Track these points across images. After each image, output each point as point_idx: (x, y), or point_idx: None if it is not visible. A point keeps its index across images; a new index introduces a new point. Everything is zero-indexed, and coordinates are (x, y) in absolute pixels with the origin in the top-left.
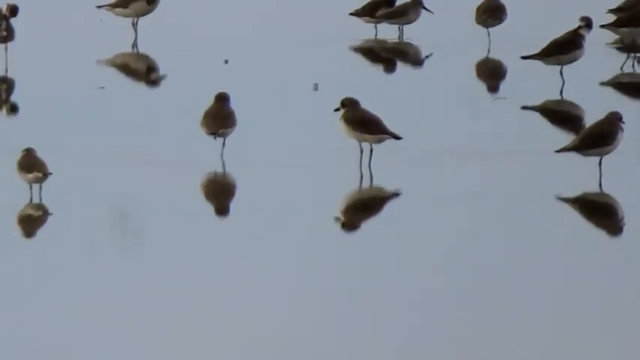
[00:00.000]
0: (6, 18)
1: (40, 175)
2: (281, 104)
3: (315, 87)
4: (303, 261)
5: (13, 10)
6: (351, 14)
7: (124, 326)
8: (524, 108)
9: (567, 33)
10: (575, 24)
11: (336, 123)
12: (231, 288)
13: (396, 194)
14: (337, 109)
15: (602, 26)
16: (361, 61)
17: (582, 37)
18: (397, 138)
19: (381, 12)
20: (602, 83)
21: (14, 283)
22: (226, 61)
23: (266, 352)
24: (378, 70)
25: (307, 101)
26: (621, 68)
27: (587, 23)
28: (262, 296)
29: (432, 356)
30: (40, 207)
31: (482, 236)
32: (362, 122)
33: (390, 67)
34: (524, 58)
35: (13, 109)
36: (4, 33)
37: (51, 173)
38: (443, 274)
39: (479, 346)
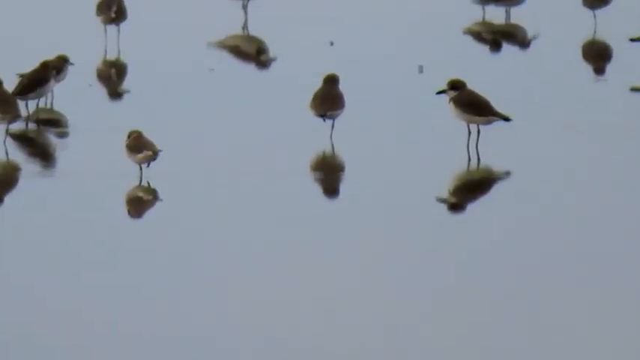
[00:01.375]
0: None
1: (150, 153)
2: (387, 85)
3: (420, 69)
4: (411, 242)
5: None
6: None
7: (250, 310)
8: (633, 89)
9: None
10: None
11: (441, 104)
12: (342, 268)
13: (506, 174)
14: (442, 91)
15: None
16: (468, 42)
17: None
18: (506, 119)
19: None
20: None
21: (122, 267)
22: (332, 43)
23: (380, 330)
24: (484, 51)
25: (413, 82)
26: None
27: None
28: (371, 277)
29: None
30: (150, 191)
31: (596, 221)
32: (471, 104)
33: (496, 48)
34: (632, 40)
35: (123, 90)
36: (113, 15)
37: (161, 150)
38: (554, 259)
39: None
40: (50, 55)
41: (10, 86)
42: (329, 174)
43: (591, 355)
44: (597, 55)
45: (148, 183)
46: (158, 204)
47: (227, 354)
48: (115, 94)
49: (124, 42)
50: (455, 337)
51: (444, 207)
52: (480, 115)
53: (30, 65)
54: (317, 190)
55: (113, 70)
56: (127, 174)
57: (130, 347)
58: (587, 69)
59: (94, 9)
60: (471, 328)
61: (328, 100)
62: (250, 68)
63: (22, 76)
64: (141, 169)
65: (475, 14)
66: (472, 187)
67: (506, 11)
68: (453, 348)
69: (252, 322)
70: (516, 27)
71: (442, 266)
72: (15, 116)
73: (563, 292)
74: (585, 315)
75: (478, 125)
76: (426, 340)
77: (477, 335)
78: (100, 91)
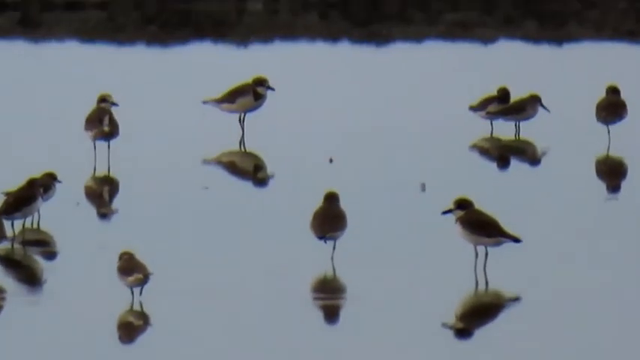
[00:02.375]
0: (109, 112)
1: (140, 276)
2: (390, 204)
3: (423, 187)
4: None
5: (103, 98)
6: (470, 108)
7: None
8: None
9: None
10: None
11: (447, 225)
12: None
13: (515, 299)
14: (448, 211)
15: None
16: (474, 158)
17: None
18: (516, 241)
19: (493, 107)
20: None
21: None
22: (331, 160)
23: None
24: (492, 168)
25: (416, 201)
26: None
27: None
28: None
29: None
30: (140, 314)
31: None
32: (479, 224)
33: (504, 164)
34: None
35: (115, 207)
36: (106, 129)
37: (152, 273)
38: None
39: None
40: (37, 173)
41: None
42: (330, 299)
43: None
44: (611, 172)
45: (141, 306)
46: (150, 330)
47: None
48: (105, 213)
49: (114, 158)
50: None
51: (450, 333)
52: (488, 236)
53: (16, 183)
54: (318, 315)
55: (106, 188)
56: (118, 297)
57: None
58: (601, 186)
59: (82, 124)
60: None
61: (329, 220)
62: (247, 186)
63: (7, 194)
64: (132, 292)
65: (483, 129)
66: (480, 312)
67: (515, 125)
68: None
69: None
70: (526, 142)
71: None
72: (1, 237)
73: None
74: None
75: (486, 247)
76: None
77: None
78: (89, 209)
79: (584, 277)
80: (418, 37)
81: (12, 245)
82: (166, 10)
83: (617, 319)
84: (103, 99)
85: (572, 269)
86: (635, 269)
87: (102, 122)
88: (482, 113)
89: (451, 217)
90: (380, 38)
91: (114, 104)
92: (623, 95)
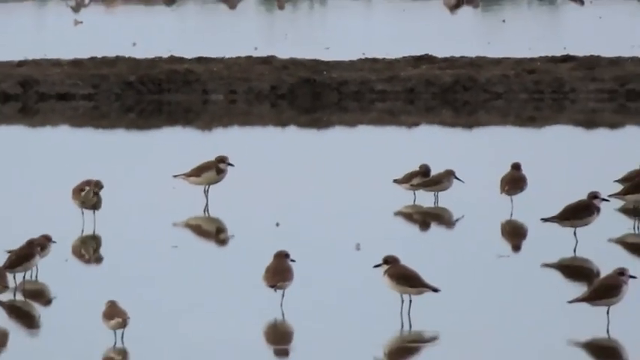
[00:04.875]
0: (95, 185)
1: (120, 320)
2: (329, 261)
3: (358, 247)
4: None
5: (98, 185)
6: (395, 181)
7: None
8: (544, 265)
9: (582, 200)
10: (587, 190)
11: (376, 276)
12: None
13: (434, 338)
14: (378, 265)
15: (610, 195)
16: (400, 223)
17: (595, 205)
18: (435, 290)
19: (416, 180)
20: (611, 240)
21: None
22: (277, 224)
23: None
24: (415, 230)
25: (352, 258)
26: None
27: (596, 195)
28: None
29: None
30: (122, 352)
31: None
32: (404, 277)
33: (425, 228)
34: (543, 220)
35: (100, 262)
36: (90, 194)
37: (129, 317)
38: None
39: None
40: (34, 235)
41: None
42: (280, 340)
43: None
44: (514, 233)
45: (122, 346)
46: None
47: None
48: (93, 263)
49: (100, 224)
50: None
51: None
52: (411, 286)
53: (17, 243)
54: (269, 350)
55: (91, 248)
56: (103, 337)
57: None
58: (506, 246)
59: (70, 195)
60: None
61: (279, 272)
62: (210, 245)
63: (10, 252)
64: (115, 333)
65: (407, 199)
66: (404, 350)
67: (434, 195)
68: None
69: None
70: (443, 209)
71: None
72: (4, 287)
73: None
74: None
75: (410, 295)
76: None
77: None
78: (78, 265)
79: (492, 319)
80: (353, 123)
81: (14, 294)
82: (143, 101)
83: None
84: (88, 183)
85: (481, 313)
86: (529, 311)
87: (83, 190)
88: (407, 185)
89: (380, 271)
90: (321, 124)
91: (100, 188)
92: (524, 171)
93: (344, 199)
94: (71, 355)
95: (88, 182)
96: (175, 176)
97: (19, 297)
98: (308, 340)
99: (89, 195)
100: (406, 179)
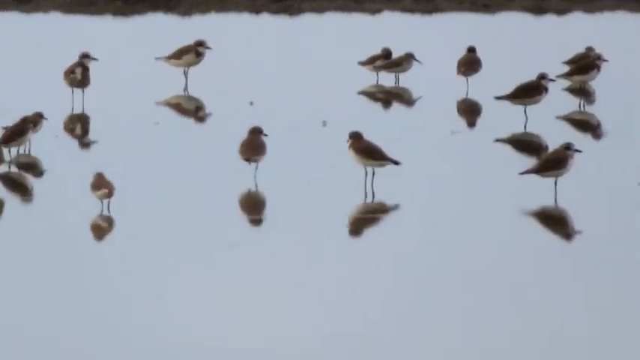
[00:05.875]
0: (82, 66)
1: (106, 191)
2: (298, 136)
3: (324, 123)
4: (314, 262)
5: (87, 57)
6: (359, 63)
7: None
8: (497, 140)
9: (532, 80)
10: (536, 72)
11: (342, 150)
12: (266, 285)
13: (395, 207)
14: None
15: (558, 76)
16: (364, 101)
17: (544, 85)
18: (396, 163)
19: (378, 62)
20: (558, 117)
21: (81, 283)
22: (251, 103)
23: None
24: (377, 108)
25: (319, 133)
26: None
27: (544, 76)
28: (293, 294)
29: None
30: (108, 219)
31: (465, 245)
32: (367, 150)
33: (387, 106)
34: (496, 98)
35: (88, 140)
36: (79, 76)
37: (114, 189)
38: (431, 278)
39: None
40: (28, 112)
41: None
42: (253, 207)
43: None
44: (469, 111)
45: (109, 214)
46: (114, 231)
47: None
48: (82, 143)
49: (88, 101)
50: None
51: (346, 232)
52: (374, 159)
53: (12, 120)
54: (243, 218)
55: (79, 124)
56: (90, 206)
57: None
58: (462, 122)
59: (62, 76)
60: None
61: (252, 147)
62: (190, 122)
63: (5, 128)
64: (102, 203)
65: (370, 79)
66: (367, 220)
67: (395, 76)
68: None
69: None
70: (403, 89)
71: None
72: (0, 160)
73: (450, 311)
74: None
75: (373, 167)
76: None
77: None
78: (67, 140)
79: (448, 190)
80: (321, 10)
81: (9, 167)
82: None
83: (473, 219)
84: (84, 55)
85: (438, 184)
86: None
87: (74, 72)
88: (370, 67)
89: (345, 145)
90: (292, 10)
91: (94, 59)
92: (479, 53)
93: (312, 79)
94: (62, 222)
95: (78, 64)
96: (157, 59)
97: (14, 169)
98: (279, 209)
99: (77, 77)
100: (370, 61)
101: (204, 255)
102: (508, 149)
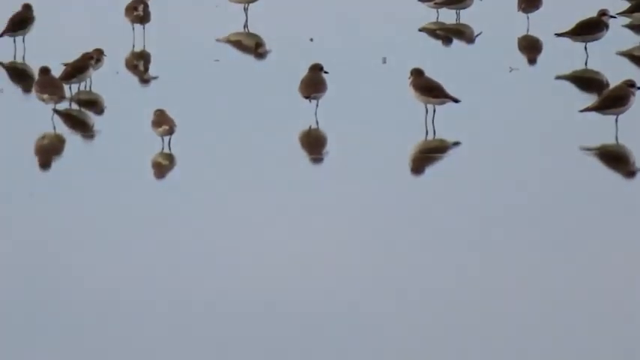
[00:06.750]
0: (144, 3)
1: (167, 127)
2: (359, 73)
3: (384, 60)
4: (376, 200)
5: None
6: (420, 0)
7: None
8: (558, 77)
9: (592, 17)
10: (597, 8)
11: (403, 87)
12: (328, 225)
13: (455, 144)
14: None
15: (618, 13)
16: (424, 38)
17: (604, 22)
18: (456, 101)
19: None
20: (619, 54)
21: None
22: (311, 39)
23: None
24: (438, 45)
25: (379, 71)
26: None
27: (605, 12)
28: (355, 231)
29: None
30: (169, 156)
31: (521, 180)
32: (427, 88)
33: (447, 43)
34: (557, 35)
35: (148, 77)
36: (142, 13)
37: (176, 125)
38: (481, 212)
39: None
40: (89, 48)
41: (56, 73)
42: (314, 143)
43: None
44: (530, 47)
45: (170, 150)
46: (175, 168)
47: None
48: (143, 79)
49: (149, 38)
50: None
51: (407, 170)
52: (434, 96)
53: (73, 56)
54: (304, 155)
55: (141, 61)
56: (151, 143)
57: (129, 310)
58: (522, 59)
59: (123, 12)
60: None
61: (313, 84)
62: (250, 59)
63: (66, 64)
64: (162, 140)
65: (431, 16)
66: (429, 158)
67: (456, 13)
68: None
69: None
70: (464, 26)
71: (409, 219)
72: (61, 97)
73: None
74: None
75: (433, 105)
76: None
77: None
78: (128, 77)
79: (508, 127)
80: None
81: (70, 104)
82: None
83: (539, 158)
84: None
85: (499, 121)
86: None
87: (137, 9)
88: (431, 4)
89: (406, 82)
90: None
91: None
92: None
93: (373, 17)
94: (122, 158)
95: (140, 0)
96: None
97: (75, 106)
98: (340, 146)
99: (140, 13)
100: None
101: (265, 193)
102: (569, 86)
